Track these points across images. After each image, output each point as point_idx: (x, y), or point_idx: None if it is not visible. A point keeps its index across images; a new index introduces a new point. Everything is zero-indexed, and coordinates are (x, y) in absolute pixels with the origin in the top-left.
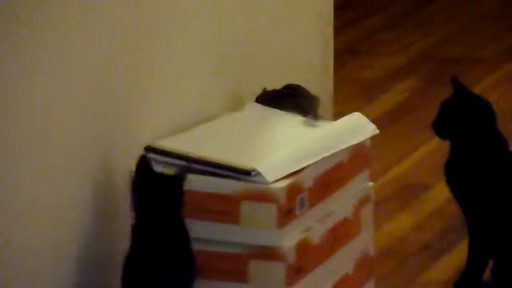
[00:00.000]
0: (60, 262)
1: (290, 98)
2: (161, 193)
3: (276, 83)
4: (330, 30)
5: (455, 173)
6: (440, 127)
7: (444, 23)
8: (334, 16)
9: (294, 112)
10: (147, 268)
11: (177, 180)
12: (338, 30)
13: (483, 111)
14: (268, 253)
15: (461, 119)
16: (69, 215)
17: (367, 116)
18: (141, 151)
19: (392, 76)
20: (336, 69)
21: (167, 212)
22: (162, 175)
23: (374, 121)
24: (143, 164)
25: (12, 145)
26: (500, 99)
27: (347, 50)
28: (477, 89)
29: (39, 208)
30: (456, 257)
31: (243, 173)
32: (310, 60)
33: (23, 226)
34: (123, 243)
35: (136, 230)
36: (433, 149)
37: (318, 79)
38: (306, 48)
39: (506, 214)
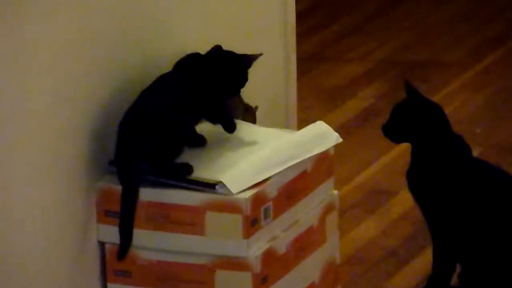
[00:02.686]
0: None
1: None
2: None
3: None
4: (293, 39)
5: (416, 180)
6: (390, 131)
7: (408, 27)
8: (300, 22)
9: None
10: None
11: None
12: (304, 35)
13: (434, 114)
14: (234, 263)
15: (412, 122)
16: None
17: (332, 122)
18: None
19: (358, 82)
20: (301, 76)
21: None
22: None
23: (339, 127)
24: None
25: None
26: (466, 103)
27: (313, 56)
28: (443, 93)
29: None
30: (423, 263)
31: (209, 186)
32: (273, 69)
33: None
34: None
35: None
36: (398, 155)
37: (281, 87)
38: (270, 56)
39: (468, 219)
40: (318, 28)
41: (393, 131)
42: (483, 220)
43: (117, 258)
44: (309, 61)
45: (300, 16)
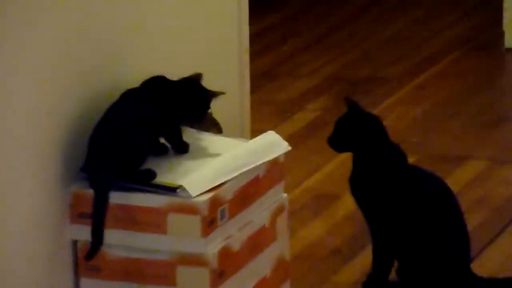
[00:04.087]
0: None
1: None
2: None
3: None
4: (246, 58)
5: (357, 185)
6: (334, 142)
7: (353, 47)
8: (254, 42)
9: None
10: None
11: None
12: (256, 54)
13: (373, 125)
14: (194, 260)
15: (353, 134)
16: None
17: (283, 132)
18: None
19: (306, 96)
20: (255, 91)
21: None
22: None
23: (289, 137)
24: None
25: None
26: (404, 115)
27: (266, 73)
28: (383, 106)
29: None
30: (364, 259)
31: (171, 190)
32: (229, 85)
33: None
34: None
35: None
36: (342, 162)
37: (236, 102)
38: (225, 74)
39: (404, 219)
40: (270, 48)
41: (336, 142)
42: (417, 220)
43: (85, 258)
44: (262, 77)
45: (255, 36)
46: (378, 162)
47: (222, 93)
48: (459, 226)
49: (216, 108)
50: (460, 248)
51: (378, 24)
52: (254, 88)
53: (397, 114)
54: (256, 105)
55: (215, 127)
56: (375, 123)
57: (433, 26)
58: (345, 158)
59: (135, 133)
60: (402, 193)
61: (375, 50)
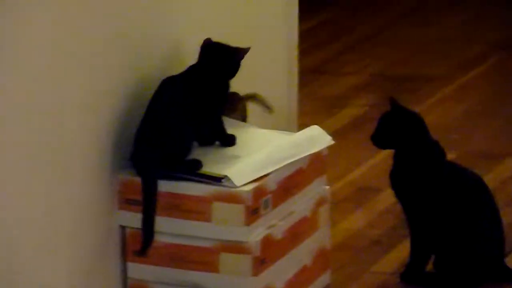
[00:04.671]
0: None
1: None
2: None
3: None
4: (294, 54)
5: (398, 179)
6: (377, 139)
7: (399, 46)
8: (304, 40)
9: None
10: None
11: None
12: (306, 51)
13: (414, 123)
14: (236, 247)
15: (395, 131)
16: None
17: (330, 127)
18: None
19: (353, 93)
20: (303, 86)
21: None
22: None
23: (335, 132)
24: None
25: None
26: (447, 112)
27: (314, 70)
28: (427, 104)
29: None
30: (403, 251)
31: (216, 179)
32: (277, 80)
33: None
34: None
35: None
36: (385, 157)
37: (284, 96)
38: (274, 69)
39: (441, 213)
40: (320, 45)
41: (379, 139)
42: (454, 214)
43: (138, 253)
44: (311, 73)
45: (305, 34)
46: (417, 159)
47: (248, 48)
48: (495, 221)
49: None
50: (495, 242)
51: (425, 24)
52: (303, 84)
53: (440, 112)
54: (305, 100)
55: (241, 116)
56: (416, 121)
57: (479, 27)
58: (388, 153)
59: (178, 123)
60: (440, 188)
61: (421, 49)
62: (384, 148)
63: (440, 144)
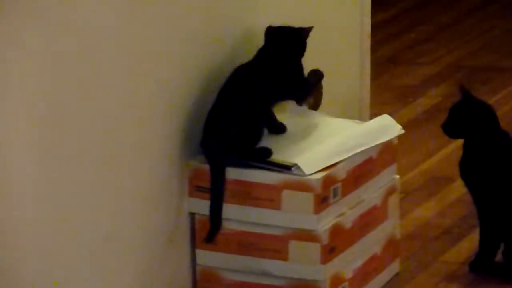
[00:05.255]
0: None
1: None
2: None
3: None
4: (367, 44)
5: (468, 169)
6: (449, 129)
7: (474, 37)
8: (380, 29)
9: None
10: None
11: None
12: (381, 42)
13: (485, 113)
14: (306, 235)
15: (465, 121)
16: None
17: (404, 117)
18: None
19: (427, 83)
20: (379, 76)
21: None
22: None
23: (409, 121)
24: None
25: None
26: None
27: (388, 60)
28: (501, 94)
29: None
30: (474, 241)
31: (286, 168)
32: (349, 69)
33: None
34: None
35: None
36: (458, 147)
37: (356, 86)
38: (347, 58)
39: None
40: (396, 35)
41: (449, 129)
42: None
43: (205, 240)
44: (387, 63)
45: (380, 25)
46: (487, 149)
47: (311, 27)
48: None
49: (337, 91)
50: None
51: (501, 15)
52: (378, 74)
53: None
54: (379, 90)
55: (314, 102)
56: (487, 111)
57: None
58: (460, 144)
59: (248, 110)
60: (509, 177)
61: (496, 41)
62: (455, 137)
63: (510, 135)
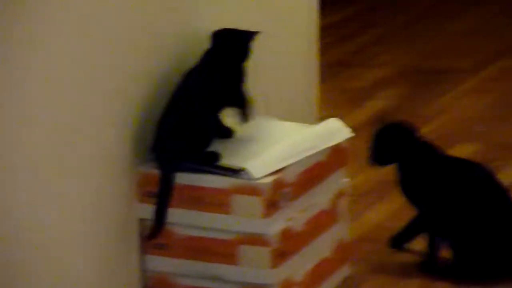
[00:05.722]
0: None
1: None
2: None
3: (267, 92)
4: (316, 47)
5: (410, 188)
6: (378, 159)
7: (426, 40)
8: (330, 32)
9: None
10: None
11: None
12: (333, 44)
13: (408, 133)
14: (256, 239)
15: (393, 146)
16: None
17: (354, 120)
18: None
19: (378, 86)
20: (329, 79)
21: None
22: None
23: (359, 124)
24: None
25: None
26: (472, 104)
27: (339, 63)
28: (451, 96)
29: None
30: (424, 242)
31: (235, 172)
32: (298, 72)
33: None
34: None
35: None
36: None
37: (304, 89)
38: (295, 61)
39: (453, 207)
40: (347, 38)
41: (379, 159)
42: (464, 205)
43: (147, 237)
44: (337, 66)
45: (333, 27)
46: (423, 166)
47: (257, 31)
48: (503, 203)
49: (286, 95)
50: (505, 222)
51: (451, 18)
52: (329, 76)
53: (464, 104)
54: (330, 93)
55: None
56: (408, 131)
57: (507, 20)
58: None
59: (198, 114)
60: (452, 186)
61: (449, 42)
62: (386, 165)
63: (431, 142)
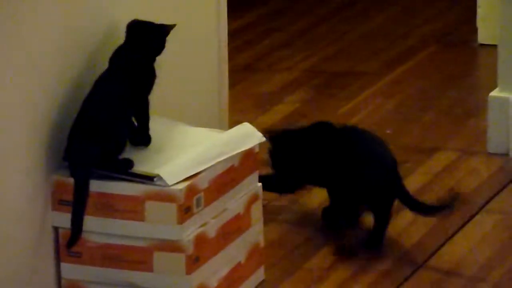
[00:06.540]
0: None
1: None
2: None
3: (178, 98)
4: (225, 51)
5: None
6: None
7: (331, 42)
8: (235, 36)
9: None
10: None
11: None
12: (238, 49)
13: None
14: (170, 246)
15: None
16: None
17: (262, 124)
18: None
19: (285, 89)
20: (235, 84)
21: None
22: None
23: (268, 128)
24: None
25: None
26: (379, 107)
27: (245, 67)
28: (359, 99)
29: None
30: (334, 246)
31: (148, 178)
32: (208, 77)
33: None
34: None
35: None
36: None
37: (214, 94)
38: (204, 66)
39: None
40: (252, 42)
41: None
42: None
43: (66, 246)
44: (243, 71)
45: (237, 31)
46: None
47: (174, 25)
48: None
49: (196, 100)
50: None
51: (357, 20)
52: (235, 82)
53: (372, 107)
54: (238, 97)
55: None
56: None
57: (409, 22)
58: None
59: (111, 120)
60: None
61: (353, 45)
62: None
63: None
